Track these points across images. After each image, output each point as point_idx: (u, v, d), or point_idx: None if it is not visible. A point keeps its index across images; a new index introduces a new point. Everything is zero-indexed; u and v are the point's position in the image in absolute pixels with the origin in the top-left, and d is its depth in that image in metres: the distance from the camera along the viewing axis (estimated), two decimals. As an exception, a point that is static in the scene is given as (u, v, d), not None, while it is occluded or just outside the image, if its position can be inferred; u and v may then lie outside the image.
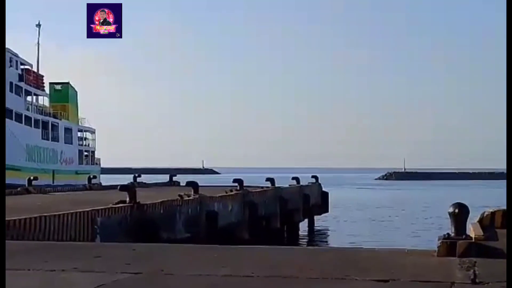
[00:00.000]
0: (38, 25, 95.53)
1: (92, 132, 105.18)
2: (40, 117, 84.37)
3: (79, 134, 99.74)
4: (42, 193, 44.54)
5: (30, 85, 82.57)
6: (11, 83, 75.30)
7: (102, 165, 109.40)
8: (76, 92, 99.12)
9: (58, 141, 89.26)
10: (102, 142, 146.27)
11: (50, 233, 19.43)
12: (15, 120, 76.12)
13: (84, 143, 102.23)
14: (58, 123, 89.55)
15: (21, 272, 11.14)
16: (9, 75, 74.80)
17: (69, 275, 10.83)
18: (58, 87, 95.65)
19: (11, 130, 72.94)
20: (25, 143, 78.56)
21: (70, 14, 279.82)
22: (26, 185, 47.74)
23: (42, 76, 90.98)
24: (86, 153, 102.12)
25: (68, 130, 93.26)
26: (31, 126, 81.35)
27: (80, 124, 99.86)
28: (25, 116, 79.70)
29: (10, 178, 65.88)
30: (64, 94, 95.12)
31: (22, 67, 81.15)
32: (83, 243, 18.70)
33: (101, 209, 23.02)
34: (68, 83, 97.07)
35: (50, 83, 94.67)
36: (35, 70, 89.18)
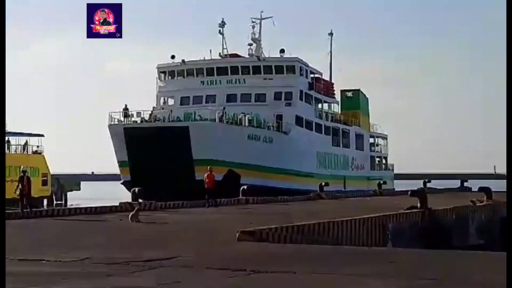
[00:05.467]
0: (331, 34, 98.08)
1: (384, 138, 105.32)
2: (330, 124, 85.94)
3: (370, 140, 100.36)
4: (333, 198, 45.51)
5: (320, 93, 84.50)
6: (301, 91, 77.40)
7: (395, 171, 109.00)
8: (367, 99, 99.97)
9: (349, 147, 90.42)
10: (395, 147, 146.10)
11: (341, 238, 19.71)
12: (306, 128, 78.16)
13: (375, 149, 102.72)
14: (348, 130, 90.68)
15: (317, 276, 11.39)
16: (299, 83, 77.15)
17: (366, 279, 10.90)
18: (349, 94, 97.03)
19: (302, 137, 75.24)
20: (316, 150, 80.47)
21: (347, 24, 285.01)
22: (318, 190, 49.06)
23: (333, 84, 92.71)
24: (378, 159, 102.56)
25: (359, 137, 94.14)
26: (321, 133, 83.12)
27: (371, 130, 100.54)
28: (316, 123, 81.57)
29: (303, 184, 67.94)
30: (355, 101, 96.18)
31: (312, 75, 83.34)
32: (375, 248, 18.76)
33: (392, 214, 22.99)
34: (359, 90, 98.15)
35: (341, 91, 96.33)
36: (327, 79, 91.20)
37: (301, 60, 77.18)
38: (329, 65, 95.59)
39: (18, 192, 28.19)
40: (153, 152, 58.26)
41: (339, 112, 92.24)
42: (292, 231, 17.77)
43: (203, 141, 58.96)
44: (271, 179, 65.05)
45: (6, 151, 73.63)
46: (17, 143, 75.29)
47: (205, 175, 36.81)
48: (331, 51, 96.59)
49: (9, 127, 75.09)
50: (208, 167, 38.08)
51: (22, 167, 31.76)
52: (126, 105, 62.80)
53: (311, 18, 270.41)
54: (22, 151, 74.98)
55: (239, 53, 75.77)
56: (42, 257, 14.07)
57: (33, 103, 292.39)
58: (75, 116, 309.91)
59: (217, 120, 62.42)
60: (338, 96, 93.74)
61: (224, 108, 63.64)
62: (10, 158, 72.39)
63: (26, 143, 75.64)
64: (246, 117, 64.95)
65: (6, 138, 74.51)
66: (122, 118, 62.42)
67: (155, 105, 71.78)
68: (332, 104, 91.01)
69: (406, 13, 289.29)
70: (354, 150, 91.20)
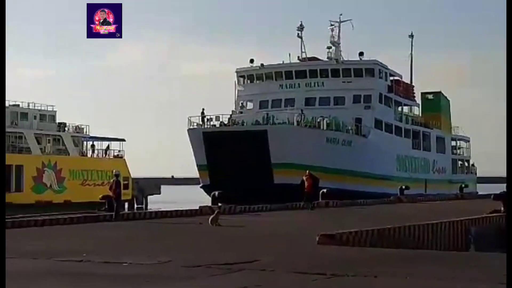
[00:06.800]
0: (411, 36, 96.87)
1: (467, 140, 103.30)
2: (410, 127, 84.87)
3: (452, 143, 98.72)
4: (414, 202, 44.96)
5: (400, 96, 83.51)
6: (380, 94, 76.57)
7: (479, 174, 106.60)
8: (449, 101, 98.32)
9: (429, 150, 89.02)
10: (478, 150, 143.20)
11: (422, 242, 19.45)
12: (385, 131, 77.32)
13: (457, 152, 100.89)
14: (429, 133, 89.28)
15: (398, 280, 11.26)
16: (378, 86, 76.38)
17: (447, 284, 10.72)
18: (430, 96, 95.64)
19: (381, 140, 74.52)
20: (395, 153, 79.61)
21: (437, 23, 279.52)
22: (398, 194, 48.56)
23: (413, 86, 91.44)
24: (460, 162, 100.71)
25: (440, 139, 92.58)
26: (401, 136, 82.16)
27: (453, 133, 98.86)
28: (395, 126, 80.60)
29: (382, 187, 67.33)
30: (435, 104, 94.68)
31: (391, 78, 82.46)
32: (457, 253, 18.45)
33: (475, 218, 22.59)
34: (440, 92, 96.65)
35: (422, 93, 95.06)
36: (407, 81, 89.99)
37: (380, 62, 76.48)
38: (410, 67, 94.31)
39: (111, 194, 28.88)
40: (232, 156, 58.56)
41: (420, 114, 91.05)
42: (372, 234, 17.62)
43: (281, 145, 59.00)
44: (350, 182, 64.61)
45: (90, 155, 75.42)
46: (99, 148, 76.98)
47: (304, 178, 37.52)
48: (411, 53, 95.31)
49: (91, 132, 76.89)
50: (307, 171, 38.77)
51: (114, 170, 32.30)
52: (203, 109, 63.41)
53: (390, 20, 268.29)
54: (103, 155, 76.52)
55: (318, 57, 75.55)
56: (123, 259, 14.28)
57: (115, 107, 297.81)
58: (156, 120, 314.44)
59: (295, 123, 62.39)
60: (418, 99, 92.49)
61: (302, 111, 63.53)
62: (92, 162, 74.06)
63: (108, 148, 77.19)
64: (325, 121, 64.70)
65: (90, 142, 76.39)
66: (201, 122, 63.00)
67: (233, 109, 72.15)
68: (413, 107, 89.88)
69: (487, 13, 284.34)
70: (435, 153, 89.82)
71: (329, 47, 75.08)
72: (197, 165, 63.83)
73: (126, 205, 70.16)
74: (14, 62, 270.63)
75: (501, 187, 54.24)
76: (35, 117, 69.75)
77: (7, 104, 68.24)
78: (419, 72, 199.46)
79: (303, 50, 74.37)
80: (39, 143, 68.65)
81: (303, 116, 62.96)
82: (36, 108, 70.87)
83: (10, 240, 19.75)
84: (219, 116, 64.27)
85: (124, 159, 76.13)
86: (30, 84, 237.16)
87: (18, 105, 69.83)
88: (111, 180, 29.90)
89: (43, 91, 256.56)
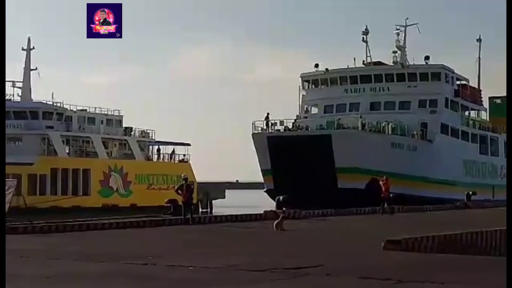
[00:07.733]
0: (479, 40, 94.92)
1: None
2: (477, 131, 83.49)
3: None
4: (481, 208, 44.19)
5: (467, 100, 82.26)
6: (446, 98, 75.60)
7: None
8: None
9: (497, 155, 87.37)
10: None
11: (490, 248, 19.10)
12: (451, 135, 76.20)
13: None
14: (497, 137, 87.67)
15: (466, 287, 11.07)
16: (445, 91, 75.39)
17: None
18: (498, 101, 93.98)
19: (447, 145, 73.55)
20: (462, 158, 78.46)
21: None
22: (465, 199, 47.78)
23: (480, 91, 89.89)
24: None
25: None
26: (468, 141, 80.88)
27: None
28: (462, 131, 79.47)
29: (448, 193, 66.35)
30: (504, 108, 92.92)
31: (458, 82, 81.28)
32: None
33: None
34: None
35: (490, 97, 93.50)
36: (475, 86, 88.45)
37: (447, 66, 75.39)
38: (477, 71, 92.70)
39: (183, 198, 28.92)
40: (296, 161, 58.46)
41: (488, 119, 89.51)
42: (439, 240, 17.36)
43: (345, 149, 58.70)
44: (416, 187, 63.89)
45: (155, 159, 76.16)
46: (165, 152, 77.67)
47: (381, 183, 37.62)
48: (479, 57, 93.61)
49: (157, 136, 77.68)
50: (384, 177, 38.73)
51: (183, 174, 32.24)
52: (267, 114, 63.55)
53: (458, 23, 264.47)
54: (169, 159, 77.16)
55: (383, 61, 74.92)
56: (189, 263, 14.34)
57: (179, 112, 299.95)
58: (221, 125, 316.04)
59: (359, 128, 62.02)
60: (486, 103, 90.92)
61: (360, 117, 63.04)
62: (158, 166, 74.77)
63: (173, 152, 77.81)
64: (390, 125, 64.16)
65: (156, 147, 77.13)
66: (265, 127, 63.10)
67: (298, 114, 72.08)
68: (480, 112, 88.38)
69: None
70: (503, 158, 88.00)
71: (394, 52, 74.32)
72: (261, 170, 63.94)
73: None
74: (78, 71, 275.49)
75: None
76: (102, 122, 70.74)
77: (74, 108, 69.53)
78: (487, 76, 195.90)
79: (368, 55, 73.75)
80: (105, 147, 69.60)
81: (365, 121, 62.54)
82: (103, 112, 71.87)
83: (78, 243, 20.06)
84: (283, 121, 64.32)
85: (189, 164, 76.61)
86: (95, 91, 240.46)
87: (86, 109, 70.93)
88: (181, 184, 29.75)
89: (108, 98, 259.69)
